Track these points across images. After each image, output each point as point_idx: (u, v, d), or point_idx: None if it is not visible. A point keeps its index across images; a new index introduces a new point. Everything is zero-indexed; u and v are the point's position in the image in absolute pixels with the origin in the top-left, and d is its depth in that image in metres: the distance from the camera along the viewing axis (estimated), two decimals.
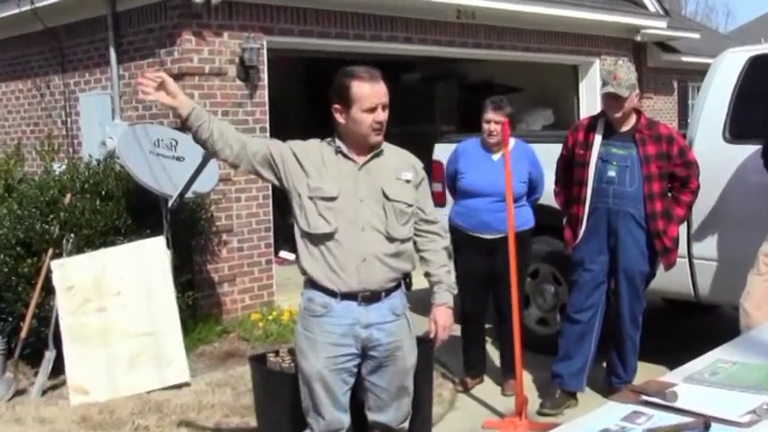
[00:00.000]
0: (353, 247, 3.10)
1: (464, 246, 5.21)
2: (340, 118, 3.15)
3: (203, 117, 3.14)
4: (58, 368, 5.49)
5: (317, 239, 3.12)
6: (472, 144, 5.32)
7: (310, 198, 3.12)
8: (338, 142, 3.18)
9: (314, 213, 3.11)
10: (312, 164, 3.15)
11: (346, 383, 3.21)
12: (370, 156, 3.18)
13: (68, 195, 5.95)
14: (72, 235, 5.74)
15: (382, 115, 3.10)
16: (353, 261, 3.10)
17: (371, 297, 3.16)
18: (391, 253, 3.16)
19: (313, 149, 3.21)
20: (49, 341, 5.54)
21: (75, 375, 5.32)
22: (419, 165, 3.36)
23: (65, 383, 5.41)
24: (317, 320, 3.16)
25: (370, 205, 3.14)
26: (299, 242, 3.18)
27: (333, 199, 3.10)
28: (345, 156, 3.16)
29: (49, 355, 5.51)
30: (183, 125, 3.17)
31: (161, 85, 3.09)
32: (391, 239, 3.16)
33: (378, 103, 3.09)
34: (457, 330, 5.80)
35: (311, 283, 3.19)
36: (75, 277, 5.50)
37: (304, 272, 3.20)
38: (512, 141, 5.20)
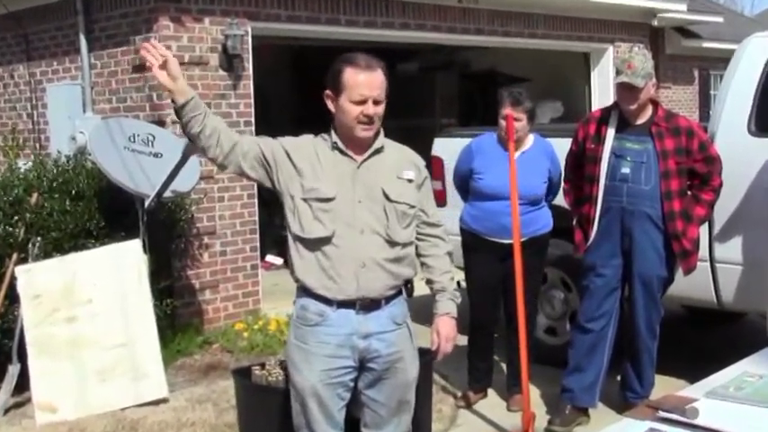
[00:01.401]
0: (351, 251, 3.09)
1: (478, 251, 5.20)
2: (330, 105, 3.15)
3: (199, 108, 3.11)
4: (23, 384, 5.46)
5: (312, 244, 3.11)
6: (488, 141, 5.28)
7: (304, 200, 3.11)
8: (334, 137, 3.17)
9: (308, 216, 3.10)
10: (306, 162, 3.14)
11: (342, 399, 3.20)
12: (369, 153, 3.17)
13: (35, 195, 5.93)
14: (39, 238, 5.72)
15: (372, 109, 3.08)
16: (351, 267, 3.10)
17: (370, 305, 3.15)
18: (392, 258, 3.16)
19: (306, 146, 3.19)
20: (12, 354, 5.51)
21: (41, 391, 5.30)
22: (422, 163, 3.35)
23: (30, 401, 5.38)
24: (311, 330, 3.16)
25: (370, 206, 3.13)
26: (292, 247, 3.18)
27: (329, 200, 3.09)
28: (342, 152, 3.15)
29: (13, 369, 5.49)
30: (177, 114, 3.13)
31: (164, 64, 3.07)
32: (392, 243, 3.15)
33: (369, 95, 3.07)
34: (461, 341, 5.80)
35: (305, 291, 3.18)
36: (43, 284, 5.48)
37: (297, 279, 3.20)
38: (531, 137, 5.20)
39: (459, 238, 5.29)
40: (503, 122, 5.03)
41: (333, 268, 3.09)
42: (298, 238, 3.13)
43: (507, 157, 4.97)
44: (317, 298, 3.14)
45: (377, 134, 3.18)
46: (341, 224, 3.09)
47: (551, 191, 5.25)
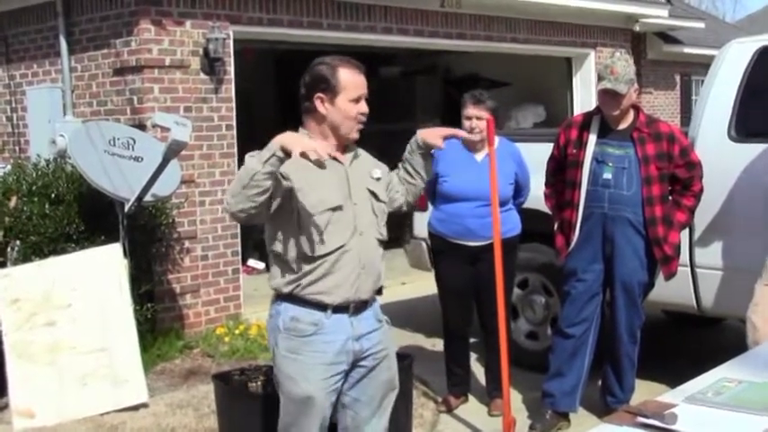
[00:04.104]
0: (355, 255, 3.10)
1: (446, 255, 5.21)
2: (321, 108, 3.11)
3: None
4: (1, 389, 5.42)
5: (322, 256, 3.06)
6: (452, 143, 5.27)
7: (313, 215, 3.04)
8: (319, 142, 3.15)
9: (319, 231, 3.04)
10: (299, 177, 3.05)
11: (332, 405, 3.20)
12: (351, 155, 3.21)
13: (14, 198, 5.91)
14: (18, 242, 5.70)
15: (365, 107, 3.15)
16: (354, 270, 3.10)
17: (361, 306, 3.17)
18: (381, 256, 3.23)
19: (294, 161, 3.09)
20: None
21: (19, 397, 5.26)
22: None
23: (8, 406, 5.34)
24: (305, 341, 3.10)
25: (363, 207, 3.16)
26: (292, 264, 3.09)
27: (339, 207, 3.07)
28: (332, 157, 3.13)
29: None
30: (272, 160, 2.88)
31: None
32: (381, 242, 3.22)
33: (363, 93, 3.14)
34: (439, 345, 5.80)
35: (294, 299, 3.11)
36: (22, 289, 5.44)
37: (291, 291, 3.10)
38: (496, 139, 5.21)
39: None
40: (466, 123, 5.07)
41: (336, 274, 3.08)
42: (307, 258, 3.05)
43: (471, 159, 5.08)
44: (311, 306, 3.09)
45: None
46: (349, 229, 3.09)
47: (520, 193, 5.27)
